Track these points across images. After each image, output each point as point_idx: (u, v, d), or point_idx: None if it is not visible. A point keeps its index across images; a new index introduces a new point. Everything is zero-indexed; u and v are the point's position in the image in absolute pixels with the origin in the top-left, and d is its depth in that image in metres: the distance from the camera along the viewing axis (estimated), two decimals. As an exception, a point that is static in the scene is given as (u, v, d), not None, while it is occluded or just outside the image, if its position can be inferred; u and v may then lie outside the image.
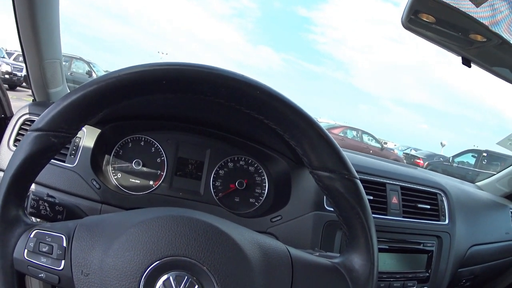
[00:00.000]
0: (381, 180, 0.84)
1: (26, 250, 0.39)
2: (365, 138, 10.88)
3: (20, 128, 0.77)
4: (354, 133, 10.83)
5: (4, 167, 0.73)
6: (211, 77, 0.40)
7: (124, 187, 0.74)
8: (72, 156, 0.70)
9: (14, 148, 0.75)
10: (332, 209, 0.73)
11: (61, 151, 0.70)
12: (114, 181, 0.75)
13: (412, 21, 0.56)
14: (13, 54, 10.36)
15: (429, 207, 0.89)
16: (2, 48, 10.35)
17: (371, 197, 0.81)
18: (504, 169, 1.29)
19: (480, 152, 8.76)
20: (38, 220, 0.57)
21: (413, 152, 12.61)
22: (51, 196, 0.54)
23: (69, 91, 0.98)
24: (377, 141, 11.29)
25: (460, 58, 0.62)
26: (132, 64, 0.41)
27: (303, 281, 0.41)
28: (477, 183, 1.37)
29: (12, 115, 0.97)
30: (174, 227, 0.38)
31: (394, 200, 0.84)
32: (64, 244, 0.39)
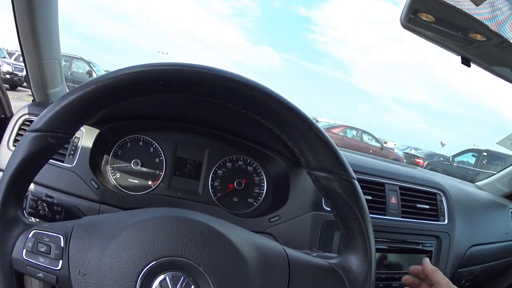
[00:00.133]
0: (380, 180, 0.84)
1: (24, 250, 0.39)
2: (365, 137, 10.88)
3: (20, 129, 0.77)
4: (354, 132, 10.83)
5: (3, 167, 0.73)
6: (208, 77, 0.40)
7: (123, 187, 0.75)
8: (71, 156, 0.71)
9: (13, 148, 0.75)
10: (330, 210, 0.74)
11: (60, 151, 0.71)
12: (112, 181, 0.75)
13: (412, 21, 0.56)
14: (14, 54, 10.38)
15: (428, 207, 0.89)
16: (3, 48, 10.37)
17: (370, 197, 0.81)
18: (504, 169, 1.29)
19: (480, 151, 8.75)
20: (37, 220, 0.57)
21: (413, 152, 12.61)
22: (50, 196, 0.54)
23: (67, 91, 0.98)
24: (377, 140, 11.29)
25: (459, 58, 0.62)
26: (132, 64, 0.41)
27: (299, 282, 0.41)
28: (477, 183, 1.37)
29: (12, 115, 0.97)
30: (171, 227, 0.39)
31: (393, 200, 0.84)
32: (62, 244, 0.39)
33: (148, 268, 0.36)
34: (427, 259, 0.69)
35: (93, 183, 0.68)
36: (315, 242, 0.71)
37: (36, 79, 0.87)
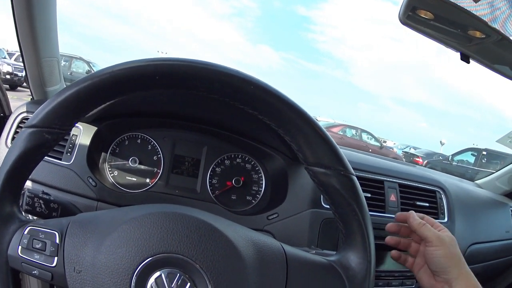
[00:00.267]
0: (379, 177, 0.84)
1: (20, 247, 0.39)
2: (364, 136, 10.88)
3: (18, 127, 0.77)
4: (353, 131, 10.84)
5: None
6: (204, 72, 0.39)
7: (121, 185, 0.74)
8: (69, 154, 0.70)
9: None
10: (329, 206, 0.73)
11: (58, 149, 0.70)
12: (110, 179, 0.74)
13: (410, 18, 0.56)
14: (14, 54, 10.40)
15: (427, 204, 0.88)
16: (3, 48, 10.39)
17: (369, 195, 0.80)
18: (504, 167, 1.28)
19: (480, 150, 8.76)
20: (34, 217, 0.57)
21: (412, 151, 12.61)
22: (46, 194, 0.54)
23: (65, 89, 0.98)
24: (376, 139, 11.30)
25: (458, 54, 0.61)
26: None
27: (298, 279, 0.41)
28: (476, 181, 1.36)
29: (11, 114, 0.97)
30: (167, 223, 0.38)
31: (392, 197, 0.83)
32: (57, 241, 0.39)
33: (143, 265, 0.36)
34: (413, 212, 0.61)
35: (90, 180, 0.68)
36: (313, 240, 0.71)
37: (35, 77, 0.86)
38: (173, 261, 0.37)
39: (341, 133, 10.27)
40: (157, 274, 0.36)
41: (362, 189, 0.44)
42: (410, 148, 13.32)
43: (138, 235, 0.37)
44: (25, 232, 0.39)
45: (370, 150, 8.97)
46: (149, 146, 0.77)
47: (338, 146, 0.43)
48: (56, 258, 0.38)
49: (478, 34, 0.55)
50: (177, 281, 0.36)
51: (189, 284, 0.36)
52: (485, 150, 8.50)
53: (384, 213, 0.81)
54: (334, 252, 0.46)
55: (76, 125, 0.71)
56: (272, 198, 0.76)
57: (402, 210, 0.84)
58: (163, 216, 0.39)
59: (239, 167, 0.78)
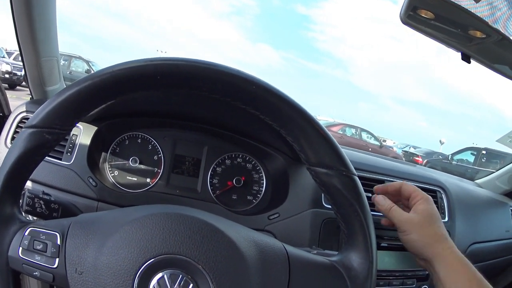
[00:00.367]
0: (380, 177, 0.84)
1: (20, 248, 0.38)
2: (364, 135, 10.90)
3: (17, 126, 0.77)
4: (353, 130, 10.85)
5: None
6: (206, 72, 0.39)
7: (121, 185, 0.74)
8: (69, 154, 0.70)
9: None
10: (330, 206, 0.73)
11: (58, 149, 0.70)
12: (110, 179, 0.74)
13: (411, 17, 0.56)
14: (13, 53, 10.39)
15: (428, 204, 0.88)
16: (2, 47, 10.37)
17: (370, 194, 0.80)
18: (504, 167, 1.29)
19: (479, 150, 8.78)
20: (34, 218, 0.57)
21: (412, 150, 12.63)
22: (47, 194, 0.54)
23: (65, 89, 0.98)
24: (376, 138, 11.31)
25: (459, 54, 0.61)
26: None
27: (300, 280, 0.41)
28: (476, 181, 1.36)
29: (10, 113, 0.96)
30: (169, 224, 0.38)
31: (393, 197, 0.83)
32: (58, 242, 0.38)
33: (145, 266, 0.36)
34: (380, 196, 0.64)
35: (91, 180, 0.68)
36: (315, 240, 0.71)
37: (34, 76, 0.86)
38: (176, 262, 0.36)
39: (341, 132, 10.28)
40: (159, 275, 0.36)
41: (363, 189, 0.44)
42: (409, 147, 13.34)
43: (140, 236, 0.37)
44: (26, 233, 0.39)
45: (370, 149, 8.99)
46: (150, 145, 0.77)
47: (340, 147, 0.43)
48: (57, 259, 0.38)
49: (478, 34, 0.55)
50: (180, 282, 0.36)
51: (191, 285, 0.36)
52: (485, 149, 8.52)
53: (385, 212, 0.81)
54: (336, 252, 0.46)
55: (76, 124, 0.71)
56: (273, 198, 0.76)
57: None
58: (165, 217, 0.39)
59: (240, 166, 0.78)
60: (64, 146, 0.71)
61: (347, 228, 0.43)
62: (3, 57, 9.64)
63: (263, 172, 0.78)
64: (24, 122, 0.77)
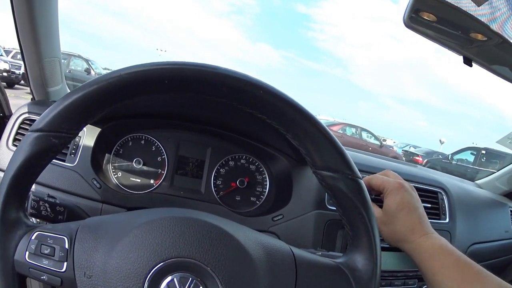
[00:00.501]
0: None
1: (27, 252, 0.38)
2: (364, 135, 10.91)
3: (19, 128, 0.76)
4: (353, 130, 10.87)
5: (3, 166, 0.73)
6: (214, 76, 0.39)
7: (125, 186, 0.74)
8: (72, 155, 0.70)
9: (13, 148, 0.74)
10: (333, 208, 0.74)
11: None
12: (114, 180, 0.74)
13: (414, 20, 0.56)
14: (11, 52, 10.34)
15: (429, 205, 0.89)
16: (0, 46, 10.33)
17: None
18: (504, 168, 1.29)
19: (479, 149, 8.81)
20: (38, 220, 0.57)
21: (412, 150, 12.66)
22: (52, 197, 0.54)
23: (68, 90, 0.98)
24: (376, 138, 11.33)
25: (461, 57, 0.62)
26: (131, 62, 0.40)
27: (306, 281, 0.41)
28: (476, 181, 1.37)
29: (10, 114, 0.96)
30: (178, 228, 0.38)
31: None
32: (66, 246, 0.38)
33: (155, 270, 0.36)
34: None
35: (95, 182, 0.68)
36: (318, 241, 0.71)
37: (36, 77, 0.86)
38: (185, 265, 0.37)
39: (341, 132, 10.29)
40: (169, 278, 0.36)
41: None
42: (410, 147, 13.37)
43: (150, 240, 0.37)
44: (33, 238, 0.39)
45: (370, 149, 9.00)
46: (153, 147, 0.77)
47: (346, 151, 0.43)
48: (65, 263, 0.38)
49: (479, 36, 0.56)
50: (189, 285, 0.36)
51: (201, 287, 0.36)
52: (485, 149, 8.55)
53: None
54: (341, 254, 0.46)
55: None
56: (276, 199, 0.76)
57: None
58: (174, 220, 0.39)
59: (243, 168, 0.78)
60: (68, 147, 0.71)
61: (352, 230, 0.44)
62: (1, 55, 9.61)
63: (266, 174, 0.78)
64: (26, 123, 0.77)
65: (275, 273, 0.40)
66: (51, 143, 0.39)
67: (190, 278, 0.36)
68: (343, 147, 0.44)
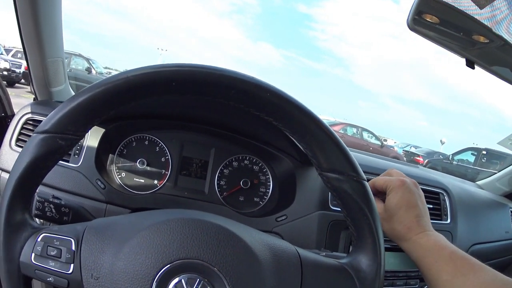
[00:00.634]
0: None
1: (33, 254, 0.38)
2: (365, 135, 10.91)
3: (22, 128, 0.76)
4: (354, 130, 10.87)
5: (6, 167, 0.73)
6: (221, 79, 0.40)
7: (129, 187, 0.74)
8: (76, 156, 0.70)
9: (16, 148, 0.74)
10: (336, 208, 0.74)
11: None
12: (118, 181, 0.74)
13: (417, 22, 0.57)
14: (11, 50, 10.33)
15: (431, 206, 0.89)
16: (0, 44, 10.32)
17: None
18: (504, 169, 1.30)
19: (480, 150, 8.81)
20: (41, 221, 0.57)
21: (412, 150, 12.66)
22: (57, 198, 0.54)
23: (71, 90, 0.98)
24: (377, 138, 11.33)
25: (462, 59, 0.62)
26: (132, 61, 0.40)
27: (312, 281, 0.42)
28: (477, 182, 1.38)
29: (12, 113, 0.96)
30: (185, 229, 0.39)
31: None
32: (73, 248, 0.38)
33: (163, 271, 0.36)
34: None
35: (99, 183, 0.68)
36: (321, 241, 0.71)
37: (39, 77, 0.86)
38: (193, 266, 0.37)
39: (342, 132, 10.30)
40: (176, 279, 0.36)
41: None
42: (410, 147, 13.38)
43: (157, 241, 0.38)
44: (39, 239, 0.39)
45: (371, 149, 9.00)
46: (157, 147, 0.77)
47: (351, 153, 0.44)
48: (72, 265, 0.38)
49: (481, 39, 0.56)
50: (197, 286, 0.36)
51: None
52: (485, 149, 8.56)
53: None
54: (345, 255, 0.47)
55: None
56: (280, 200, 0.76)
57: None
58: (181, 222, 0.39)
59: (247, 168, 0.78)
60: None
61: (357, 231, 0.44)
62: (2, 54, 9.60)
63: (270, 174, 0.78)
64: (30, 124, 0.77)
65: (281, 274, 0.40)
66: (57, 145, 0.39)
67: (198, 279, 0.37)
68: (349, 150, 0.44)
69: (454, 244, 0.91)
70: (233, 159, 0.78)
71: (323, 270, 0.43)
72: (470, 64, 0.62)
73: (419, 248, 0.55)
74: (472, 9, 0.53)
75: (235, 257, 0.38)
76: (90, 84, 0.40)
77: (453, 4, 0.53)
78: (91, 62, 9.31)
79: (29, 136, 0.74)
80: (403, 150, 12.81)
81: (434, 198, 0.91)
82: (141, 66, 0.41)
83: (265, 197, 0.78)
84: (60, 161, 0.69)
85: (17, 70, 8.71)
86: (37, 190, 0.43)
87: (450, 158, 9.53)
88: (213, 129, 0.77)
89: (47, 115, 0.40)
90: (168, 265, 0.37)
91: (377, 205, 0.56)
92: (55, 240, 0.39)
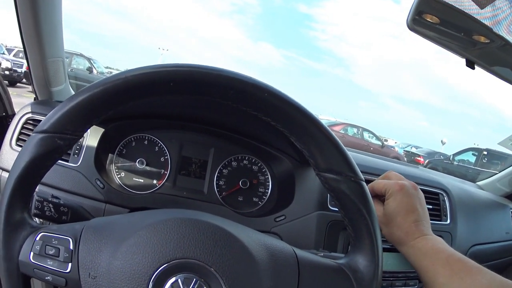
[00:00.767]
0: (383, 179, 0.84)
1: (32, 253, 0.39)
2: (366, 135, 10.91)
3: (23, 128, 0.76)
4: (355, 130, 10.87)
5: (6, 166, 0.73)
6: (219, 79, 0.40)
7: (128, 186, 0.74)
8: (76, 156, 0.70)
9: (16, 148, 0.75)
10: (335, 209, 0.74)
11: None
12: (117, 180, 0.75)
13: (417, 22, 0.57)
14: (13, 50, 10.36)
15: (431, 207, 0.89)
16: (2, 44, 10.35)
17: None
18: (505, 169, 1.29)
19: (481, 150, 8.80)
20: (41, 221, 0.57)
21: (413, 150, 12.65)
22: (56, 197, 0.54)
23: (71, 89, 0.98)
24: (377, 138, 11.32)
25: (463, 60, 0.62)
26: (133, 61, 0.40)
27: (309, 282, 0.42)
28: (478, 183, 1.37)
29: (13, 113, 0.96)
30: (182, 229, 0.39)
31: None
32: (71, 247, 0.39)
33: (160, 271, 0.36)
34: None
35: (98, 182, 0.68)
36: (320, 242, 0.71)
37: (39, 77, 0.86)
38: (189, 266, 0.37)
39: (343, 132, 10.30)
40: (173, 279, 0.36)
41: None
42: (411, 147, 13.37)
43: (154, 241, 0.38)
44: (37, 238, 0.39)
45: (372, 149, 8.99)
46: (156, 147, 0.77)
47: (349, 153, 0.44)
48: (70, 264, 0.38)
49: (482, 39, 0.56)
50: (193, 286, 0.36)
51: None
52: (486, 150, 8.54)
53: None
54: (343, 255, 0.47)
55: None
56: (279, 200, 0.76)
57: None
58: (179, 222, 0.39)
59: (246, 169, 0.78)
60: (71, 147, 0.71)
61: (354, 232, 0.44)
62: (3, 53, 9.62)
63: (269, 174, 0.78)
64: (30, 123, 0.77)
65: (278, 274, 0.40)
66: (56, 145, 0.39)
67: (194, 279, 0.37)
68: (346, 150, 0.44)
69: (454, 245, 0.91)
70: (232, 159, 0.78)
71: (320, 270, 0.43)
72: (470, 64, 0.62)
73: (416, 251, 0.55)
74: (472, 9, 0.53)
75: (231, 257, 0.38)
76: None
77: (453, 4, 0.52)
78: (92, 62, 9.33)
79: (29, 135, 0.74)
80: (404, 150, 12.80)
81: (434, 198, 0.91)
82: (140, 66, 0.41)
83: (264, 197, 0.78)
84: (60, 161, 0.69)
85: (19, 70, 8.73)
86: (36, 190, 0.43)
87: (450, 159, 9.52)
88: (213, 129, 0.78)
89: (47, 114, 0.41)
90: (165, 265, 0.37)
91: (376, 208, 0.56)
92: (53, 239, 0.39)
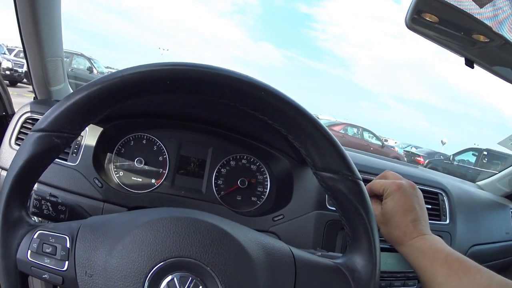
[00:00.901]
0: (382, 179, 0.84)
1: (29, 251, 0.39)
2: (366, 135, 10.91)
3: (22, 127, 0.77)
4: (355, 130, 10.86)
5: (6, 165, 0.73)
6: (215, 77, 0.40)
7: (126, 186, 0.74)
8: (74, 155, 0.70)
9: (15, 147, 0.75)
10: (333, 208, 0.74)
11: (63, 150, 0.71)
12: (116, 180, 0.75)
13: (416, 21, 0.56)
14: (14, 50, 10.37)
15: (430, 207, 0.89)
16: (3, 44, 10.36)
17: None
18: (505, 169, 1.29)
19: (481, 150, 8.79)
20: (40, 219, 0.57)
21: (413, 150, 12.64)
22: (54, 196, 0.54)
23: (70, 89, 0.98)
24: (377, 138, 11.31)
25: (462, 59, 0.62)
26: (133, 61, 0.40)
27: (306, 281, 0.41)
28: (477, 183, 1.37)
29: (13, 112, 0.97)
30: (179, 228, 0.39)
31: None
32: (68, 245, 0.39)
33: (156, 269, 0.36)
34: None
35: (96, 181, 0.68)
36: (318, 241, 0.71)
37: (39, 77, 0.86)
38: (185, 265, 0.37)
39: (343, 132, 10.30)
40: (169, 278, 0.36)
41: None
42: (411, 147, 13.36)
43: (150, 239, 0.38)
44: (35, 236, 0.39)
45: (372, 149, 8.99)
46: (155, 146, 0.77)
47: (346, 152, 0.43)
48: (67, 262, 0.38)
49: (482, 38, 0.56)
50: (189, 284, 0.36)
51: (201, 287, 0.37)
52: (486, 150, 8.54)
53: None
54: (340, 255, 0.47)
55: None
56: (277, 199, 0.76)
57: None
58: (175, 220, 0.39)
59: (245, 168, 0.78)
60: (70, 147, 0.71)
61: (352, 231, 0.44)
62: (4, 53, 9.64)
63: (267, 174, 0.78)
64: (29, 123, 0.77)
65: (274, 273, 0.40)
66: (53, 143, 0.40)
67: (190, 278, 0.37)
68: (344, 148, 0.44)
69: (453, 245, 0.90)
70: (231, 158, 0.78)
71: (317, 270, 0.43)
72: (469, 63, 0.61)
73: (415, 251, 0.55)
74: (472, 8, 0.53)
75: (227, 256, 0.38)
76: None
77: (452, 3, 0.52)
78: (92, 62, 9.34)
79: None
80: (404, 151, 12.80)
81: (433, 198, 0.91)
82: (137, 65, 0.41)
83: (262, 196, 0.78)
84: (58, 160, 0.69)
85: (20, 70, 8.75)
86: (34, 188, 0.43)
87: (451, 159, 9.52)
88: (211, 128, 0.78)
89: None
90: (161, 263, 0.37)
91: (374, 207, 0.56)
92: (50, 238, 0.39)
